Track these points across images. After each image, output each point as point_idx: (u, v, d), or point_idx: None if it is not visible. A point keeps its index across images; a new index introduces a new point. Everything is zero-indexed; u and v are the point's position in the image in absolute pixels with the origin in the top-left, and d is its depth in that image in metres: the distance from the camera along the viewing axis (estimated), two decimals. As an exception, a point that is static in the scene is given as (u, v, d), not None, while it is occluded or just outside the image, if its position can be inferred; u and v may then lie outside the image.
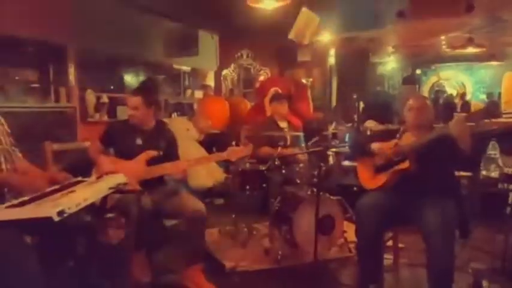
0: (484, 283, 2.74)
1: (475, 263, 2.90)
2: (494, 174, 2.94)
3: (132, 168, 2.62)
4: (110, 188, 1.99)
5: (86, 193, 1.76)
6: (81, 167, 2.71)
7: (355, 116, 6.27)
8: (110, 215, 2.57)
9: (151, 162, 2.70)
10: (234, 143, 3.07)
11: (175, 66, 6.71)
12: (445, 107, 10.17)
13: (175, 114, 6.28)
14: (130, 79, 6.36)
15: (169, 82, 6.94)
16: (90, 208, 1.94)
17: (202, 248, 2.78)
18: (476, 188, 3.94)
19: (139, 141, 2.83)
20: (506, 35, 7.48)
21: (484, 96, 11.59)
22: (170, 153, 2.86)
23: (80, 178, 2.08)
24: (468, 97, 12.10)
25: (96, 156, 2.81)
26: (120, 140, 2.86)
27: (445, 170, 2.56)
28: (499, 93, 10.70)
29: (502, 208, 3.59)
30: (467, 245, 3.21)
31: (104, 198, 2.16)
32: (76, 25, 4.52)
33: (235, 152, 2.79)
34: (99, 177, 2.12)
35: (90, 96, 4.92)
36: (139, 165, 2.66)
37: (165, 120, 4.19)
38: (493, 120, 2.99)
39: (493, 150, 3.11)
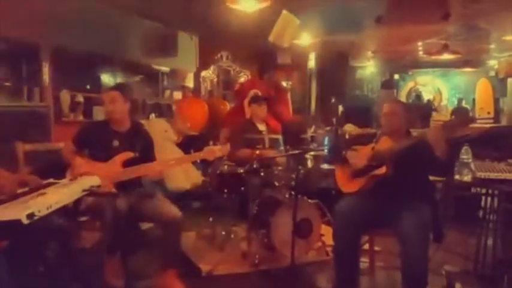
0: (457, 285, 2.80)
1: (448, 265, 2.95)
2: (467, 178, 3.00)
3: (107, 170, 2.57)
4: (84, 190, 1.94)
5: (58, 195, 1.72)
6: (55, 169, 2.65)
7: (334, 120, 6.33)
8: (83, 218, 2.53)
9: (127, 164, 2.66)
10: (211, 142, 3.05)
11: (154, 66, 6.63)
12: (421, 111, 10.38)
13: (153, 115, 6.19)
14: (108, 79, 6.24)
15: (148, 82, 6.84)
16: (63, 211, 1.89)
17: (177, 253, 2.74)
18: (450, 192, 4.02)
19: (115, 143, 2.77)
20: (481, 43, 7.68)
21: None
22: (146, 154, 2.81)
23: (51, 180, 2.03)
24: (444, 102, 12.39)
25: (70, 158, 2.75)
26: (95, 142, 2.80)
27: (421, 175, 2.60)
28: (473, 99, 11.00)
29: (474, 211, 3.68)
30: (441, 248, 3.26)
31: (78, 201, 2.11)
32: (50, 23, 4.40)
33: (213, 152, 2.77)
34: (72, 179, 2.07)
35: (65, 96, 4.81)
36: (115, 167, 2.62)
37: (143, 121, 4.14)
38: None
39: (465, 155, 3.18)
